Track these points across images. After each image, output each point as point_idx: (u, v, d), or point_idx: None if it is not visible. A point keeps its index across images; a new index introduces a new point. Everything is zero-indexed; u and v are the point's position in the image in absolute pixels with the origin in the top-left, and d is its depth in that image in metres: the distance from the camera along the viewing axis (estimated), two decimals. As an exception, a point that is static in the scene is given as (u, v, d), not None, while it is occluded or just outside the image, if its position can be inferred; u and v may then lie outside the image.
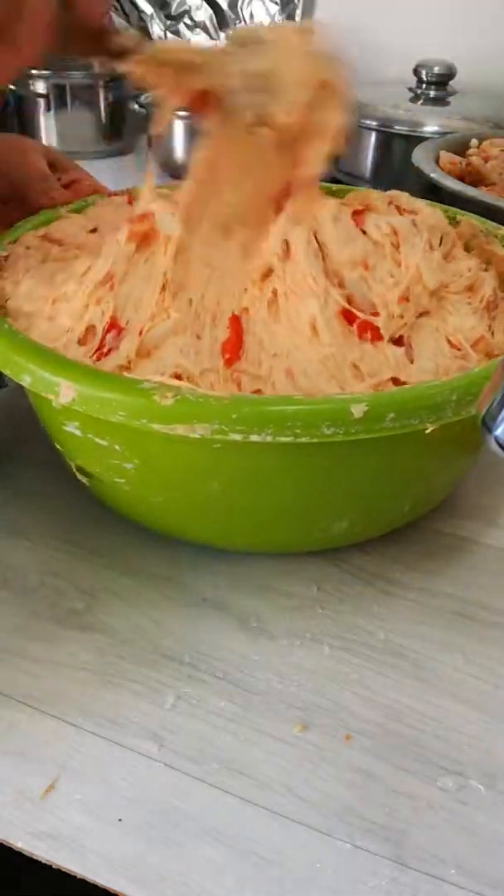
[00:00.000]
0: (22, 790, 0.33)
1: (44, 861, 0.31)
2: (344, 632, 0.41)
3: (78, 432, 0.39)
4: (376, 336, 0.40)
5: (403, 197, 0.52)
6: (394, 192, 0.52)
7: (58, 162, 0.57)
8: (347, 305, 0.40)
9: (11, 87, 1.05)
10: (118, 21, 1.18)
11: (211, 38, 1.14)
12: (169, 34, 1.16)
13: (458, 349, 0.42)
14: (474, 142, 0.81)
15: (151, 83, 0.40)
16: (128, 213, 0.45)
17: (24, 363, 0.36)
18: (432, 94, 0.94)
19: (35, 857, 0.32)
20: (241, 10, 1.11)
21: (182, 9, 1.14)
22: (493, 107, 0.91)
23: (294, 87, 0.40)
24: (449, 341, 0.42)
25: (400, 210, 0.51)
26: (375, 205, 0.50)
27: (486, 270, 0.49)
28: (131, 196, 0.54)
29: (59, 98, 1.05)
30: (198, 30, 1.14)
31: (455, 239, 0.51)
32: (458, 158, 0.77)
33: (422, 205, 0.51)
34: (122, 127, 1.11)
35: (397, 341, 0.41)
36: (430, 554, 0.46)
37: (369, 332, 0.40)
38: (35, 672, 0.38)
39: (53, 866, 0.31)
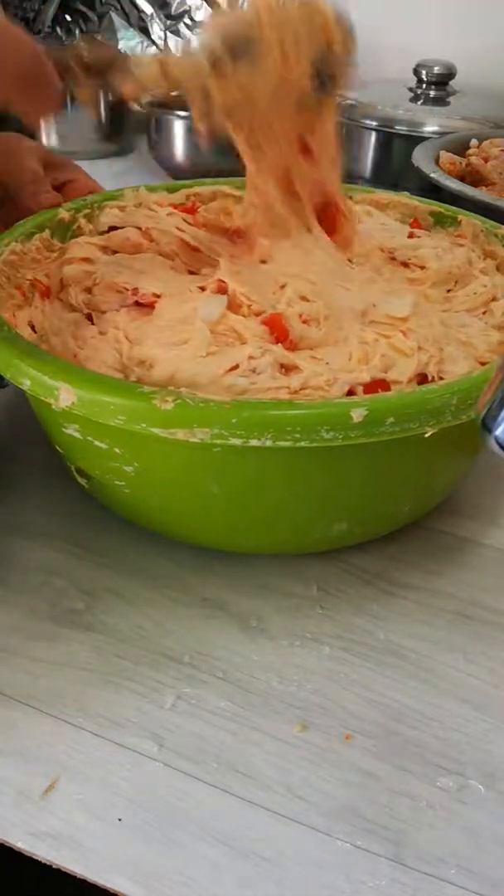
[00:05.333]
0: (22, 790, 0.34)
1: (44, 861, 0.31)
2: (344, 632, 0.41)
3: (77, 435, 0.39)
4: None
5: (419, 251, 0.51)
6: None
7: (53, 162, 0.57)
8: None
9: None
10: (118, 21, 1.18)
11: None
12: (169, 34, 1.16)
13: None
14: (474, 142, 0.81)
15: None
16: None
17: (24, 367, 0.36)
18: (432, 94, 0.94)
19: (35, 857, 0.32)
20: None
21: (182, 9, 1.14)
22: (493, 107, 0.91)
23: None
24: (480, 362, 0.42)
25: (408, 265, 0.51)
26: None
27: (497, 270, 0.49)
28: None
29: (58, 98, 1.05)
30: (198, 30, 1.14)
31: (470, 265, 0.50)
32: (458, 158, 0.77)
33: (430, 257, 0.50)
34: (123, 127, 1.10)
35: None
36: (430, 554, 0.46)
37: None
38: (35, 671, 0.38)
39: (53, 866, 0.31)
